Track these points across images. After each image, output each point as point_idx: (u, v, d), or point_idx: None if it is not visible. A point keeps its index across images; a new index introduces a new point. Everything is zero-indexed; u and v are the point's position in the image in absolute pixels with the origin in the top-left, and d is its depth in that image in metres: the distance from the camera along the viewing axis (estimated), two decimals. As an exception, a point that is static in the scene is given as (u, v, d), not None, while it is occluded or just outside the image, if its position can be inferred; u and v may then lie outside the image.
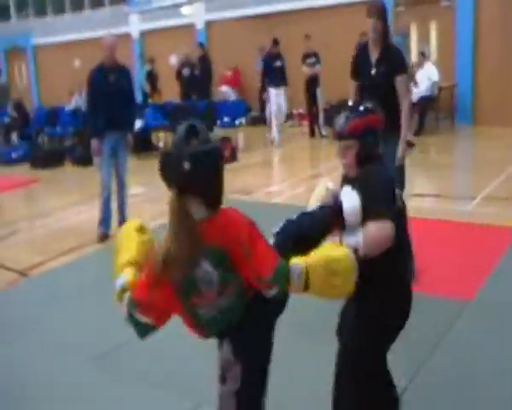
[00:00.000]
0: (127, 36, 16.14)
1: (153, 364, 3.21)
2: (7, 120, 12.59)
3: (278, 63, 10.65)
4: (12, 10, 19.77)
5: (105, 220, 5.65)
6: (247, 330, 1.89)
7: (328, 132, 10.95)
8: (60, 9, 18.39)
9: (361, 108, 2.24)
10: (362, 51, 4.19)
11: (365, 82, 4.07)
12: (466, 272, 4.16)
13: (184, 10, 15.07)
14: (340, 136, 2.21)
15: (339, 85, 12.01)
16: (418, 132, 9.78)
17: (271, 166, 9.16)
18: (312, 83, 10.83)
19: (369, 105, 2.25)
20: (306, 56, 10.92)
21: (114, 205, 5.75)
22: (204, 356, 2.37)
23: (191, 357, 3.16)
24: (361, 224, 2.02)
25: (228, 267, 1.83)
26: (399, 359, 2.51)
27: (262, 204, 6.45)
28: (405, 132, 3.95)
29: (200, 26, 14.99)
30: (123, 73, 5.77)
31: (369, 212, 2.02)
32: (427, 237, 4.51)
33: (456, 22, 11.01)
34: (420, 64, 9.65)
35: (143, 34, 16.41)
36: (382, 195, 2.08)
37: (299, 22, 13.07)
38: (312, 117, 11.08)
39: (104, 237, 5.60)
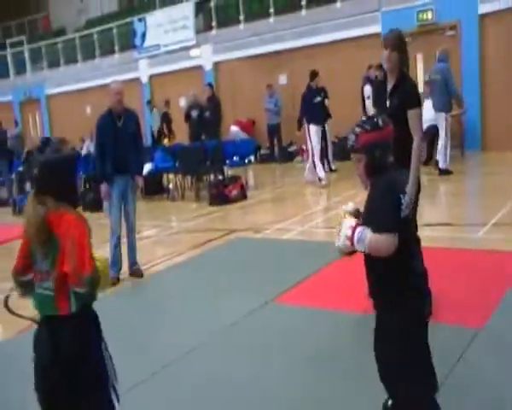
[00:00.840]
0: (136, 80, 16.51)
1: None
2: (20, 169, 12.81)
3: (318, 98, 10.28)
4: (27, 64, 20.36)
5: (115, 264, 5.65)
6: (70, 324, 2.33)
7: (338, 166, 10.98)
8: (72, 60, 18.89)
9: (370, 122, 2.39)
10: (381, 83, 4.13)
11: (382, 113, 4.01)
12: (476, 299, 4.09)
13: (193, 53, 15.40)
14: (351, 149, 2.41)
15: (347, 118, 12.15)
16: (427, 161, 9.75)
17: (281, 203, 9.16)
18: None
19: (379, 119, 2.39)
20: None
21: (124, 248, 5.77)
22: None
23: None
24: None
25: (55, 258, 2.29)
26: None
27: (273, 241, 6.45)
28: (415, 172, 3.67)
29: (208, 67, 15.27)
30: (130, 117, 5.83)
31: (371, 225, 2.27)
32: (437, 266, 4.45)
33: (462, 50, 11.12)
34: (426, 93, 9.70)
35: (152, 78, 16.75)
36: (382, 208, 2.28)
37: (305, 58, 13.27)
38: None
39: (114, 281, 5.59)
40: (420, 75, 11.53)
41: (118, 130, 5.63)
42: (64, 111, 19.13)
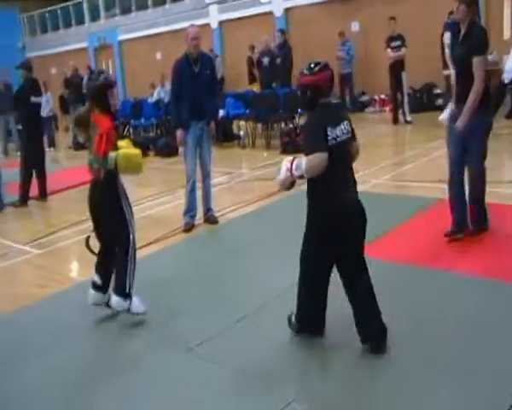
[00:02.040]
0: (207, 26, 16.36)
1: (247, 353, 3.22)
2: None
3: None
4: (101, 10, 20.63)
5: (190, 211, 5.71)
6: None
7: (413, 118, 10.55)
8: (143, 6, 18.92)
9: (309, 67, 3.03)
10: (454, 33, 4.40)
11: (453, 62, 4.45)
12: None
13: (263, -1, 15.04)
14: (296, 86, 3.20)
15: (423, 69, 11.63)
16: (510, 115, 9.18)
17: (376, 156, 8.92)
18: (397, 67, 10.44)
19: (318, 65, 3.01)
20: (391, 39, 10.52)
21: (199, 194, 5.81)
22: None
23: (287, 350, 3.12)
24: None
25: (92, 142, 3.64)
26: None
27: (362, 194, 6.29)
28: (467, 111, 4.12)
29: (278, 13, 14.87)
30: (207, 61, 5.75)
31: (306, 150, 2.93)
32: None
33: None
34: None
35: (222, 24, 16.54)
36: (311, 135, 3.00)
37: (379, 4, 12.67)
38: (396, 103, 10.70)
39: (190, 227, 5.68)
40: (507, 21, 10.75)
41: (194, 75, 5.56)
42: (135, 56, 19.34)
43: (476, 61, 4.09)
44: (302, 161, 2.89)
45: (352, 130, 3.11)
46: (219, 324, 3.55)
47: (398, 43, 10.42)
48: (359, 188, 3.17)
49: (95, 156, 3.62)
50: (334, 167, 2.89)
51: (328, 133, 2.90)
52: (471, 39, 4.15)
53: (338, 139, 2.95)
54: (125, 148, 3.72)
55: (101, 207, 3.72)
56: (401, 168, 7.35)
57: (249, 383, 2.95)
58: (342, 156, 2.99)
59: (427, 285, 3.83)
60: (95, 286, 3.88)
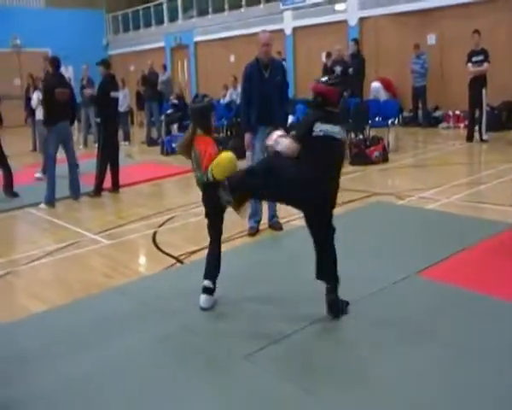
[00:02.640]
0: (280, 32, 16.44)
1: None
2: (169, 112, 13.51)
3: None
4: (179, 11, 21.20)
5: (255, 215, 5.74)
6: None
7: (489, 137, 10.17)
8: (219, 8, 19.26)
9: (324, 78, 3.72)
10: None
11: None
12: None
13: (338, 7, 14.94)
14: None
15: (502, 87, 11.18)
16: None
17: (425, 170, 8.70)
18: (478, 83, 10.07)
19: (333, 79, 3.72)
20: (473, 54, 10.16)
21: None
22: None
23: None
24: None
25: (197, 160, 3.98)
26: None
27: (417, 210, 6.17)
28: None
29: (353, 22, 14.74)
30: (277, 67, 5.77)
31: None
32: None
33: None
34: None
35: (296, 30, 16.58)
36: (299, 127, 3.81)
37: (457, 18, 12.32)
38: (473, 120, 10.34)
39: (254, 231, 5.71)
40: None
41: (264, 80, 5.59)
42: (209, 58, 19.72)
43: None
44: (283, 141, 3.56)
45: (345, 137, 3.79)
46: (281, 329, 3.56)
47: (480, 57, 10.05)
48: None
49: (201, 174, 3.96)
50: (316, 156, 3.48)
51: (315, 128, 3.50)
52: None
53: (326, 133, 3.50)
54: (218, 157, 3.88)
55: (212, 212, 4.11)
56: (474, 189, 7.10)
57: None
58: (326, 151, 3.52)
59: (489, 314, 3.64)
60: (207, 290, 4.01)
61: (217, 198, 3.73)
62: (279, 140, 3.57)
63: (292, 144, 3.52)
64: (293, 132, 3.67)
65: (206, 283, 4.01)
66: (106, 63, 8.26)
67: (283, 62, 14.06)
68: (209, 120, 4.02)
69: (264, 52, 5.56)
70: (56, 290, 4.75)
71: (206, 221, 4.18)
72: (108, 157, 8.05)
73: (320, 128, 3.51)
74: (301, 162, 3.51)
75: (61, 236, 6.29)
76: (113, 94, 8.11)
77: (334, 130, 3.54)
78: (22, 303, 4.49)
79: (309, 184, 3.49)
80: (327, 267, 3.71)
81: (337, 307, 3.70)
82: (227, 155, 3.85)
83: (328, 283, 3.70)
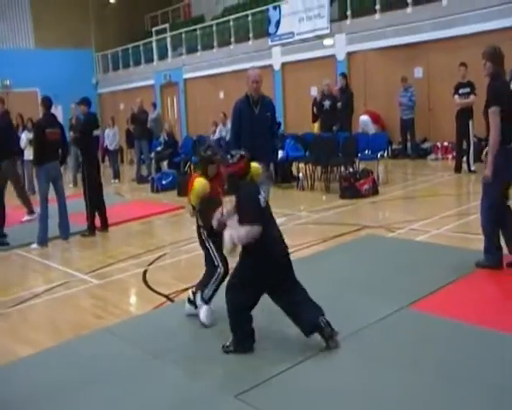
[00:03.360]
0: (269, 67, 16.70)
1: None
2: (158, 149, 13.57)
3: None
4: (169, 49, 21.49)
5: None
6: None
7: (477, 168, 10.26)
8: (208, 46, 19.57)
9: (232, 155, 3.83)
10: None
11: None
12: None
13: (326, 42, 15.22)
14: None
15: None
16: None
17: (414, 202, 8.75)
18: (465, 115, 10.21)
19: (238, 155, 3.81)
20: (460, 86, 10.32)
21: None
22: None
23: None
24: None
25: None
26: None
27: (407, 242, 6.17)
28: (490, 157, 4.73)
29: (341, 57, 15.01)
30: (267, 104, 5.83)
31: (241, 220, 3.57)
32: None
33: None
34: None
35: (285, 66, 16.83)
36: (248, 207, 3.62)
37: (443, 51, 12.57)
38: (461, 151, 10.46)
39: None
40: None
41: (254, 116, 5.65)
42: (199, 94, 19.94)
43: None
44: (238, 232, 3.55)
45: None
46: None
47: (467, 90, 10.20)
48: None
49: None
50: (269, 227, 3.63)
51: (261, 199, 3.65)
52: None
53: (265, 200, 3.73)
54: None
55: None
56: (463, 219, 7.12)
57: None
58: (270, 212, 3.76)
59: (481, 346, 3.60)
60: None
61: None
62: (235, 235, 3.58)
63: (253, 229, 3.50)
64: (244, 218, 3.57)
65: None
66: (87, 102, 8.29)
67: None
68: (207, 171, 4.22)
69: (254, 89, 5.64)
70: (45, 333, 4.67)
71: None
72: (94, 195, 8.01)
73: (262, 200, 3.66)
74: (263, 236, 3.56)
75: (50, 277, 6.22)
76: (95, 132, 8.15)
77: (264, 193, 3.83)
78: (9, 347, 4.40)
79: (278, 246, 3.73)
80: (311, 315, 3.70)
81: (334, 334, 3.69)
82: (196, 185, 4.17)
83: (319, 322, 3.67)
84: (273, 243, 3.68)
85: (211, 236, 4.22)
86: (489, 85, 4.98)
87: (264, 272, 3.64)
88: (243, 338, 3.74)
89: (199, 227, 4.30)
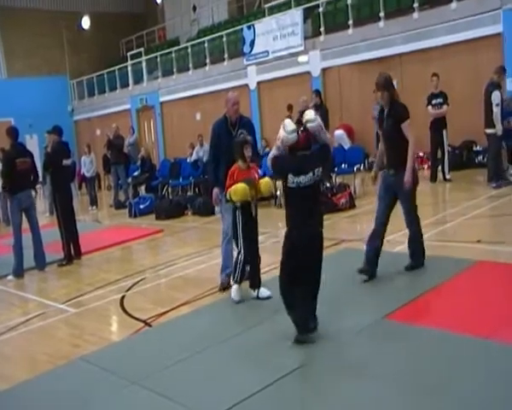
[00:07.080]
0: (245, 87, 16.79)
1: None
2: (135, 174, 13.53)
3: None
4: (144, 73, 21.51)
5: (226, 268, 5.66)
6: None
7: (452, 176, 10.38)
8: (184, 68, 19.64)
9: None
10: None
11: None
12: None
13: (301, 59, 15.37)
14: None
15: (462, 127, 11.53)
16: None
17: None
18: (438, 124, 10.33)
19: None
20: (432, 96, 10.45)
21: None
22: None
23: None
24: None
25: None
26: None
27: (385, 253, 6.14)
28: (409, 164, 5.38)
29: (316, 73, 15.16)
30: (245, 125, 5.83)
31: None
32: None
33: None
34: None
35: (260, 84, 16.94)
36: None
37: (416, 63, 12.78)
38: (436, 160, 10.58)
39: (225, 286, 5.62)
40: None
41: (232, 138, 5.65)
42: (175, 117, 19.96)
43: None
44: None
45: None
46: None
47: (439, 100, 10.34)
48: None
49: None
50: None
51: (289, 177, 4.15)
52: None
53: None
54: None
55: None
56: (440, 228, 7.18)
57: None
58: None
59: (462, 355, 3.59)
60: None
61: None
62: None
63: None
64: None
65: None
66: (58, 131, 8.23)
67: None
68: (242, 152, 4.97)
69: (234, 111, 5.67)
70: (20, 366, 4.58)
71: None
72: (68, 223, 7.91)
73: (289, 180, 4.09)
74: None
75: (26, 308, 6.12)
76: (64, 162, 8.09)
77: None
78: (-18, 383, 4.28)
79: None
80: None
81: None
82: (241, 186, 4.86)
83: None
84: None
85: (243, 220, 4.95)
86: (395, 106, 5.40)
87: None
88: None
89: (235, 209, 5.03)
